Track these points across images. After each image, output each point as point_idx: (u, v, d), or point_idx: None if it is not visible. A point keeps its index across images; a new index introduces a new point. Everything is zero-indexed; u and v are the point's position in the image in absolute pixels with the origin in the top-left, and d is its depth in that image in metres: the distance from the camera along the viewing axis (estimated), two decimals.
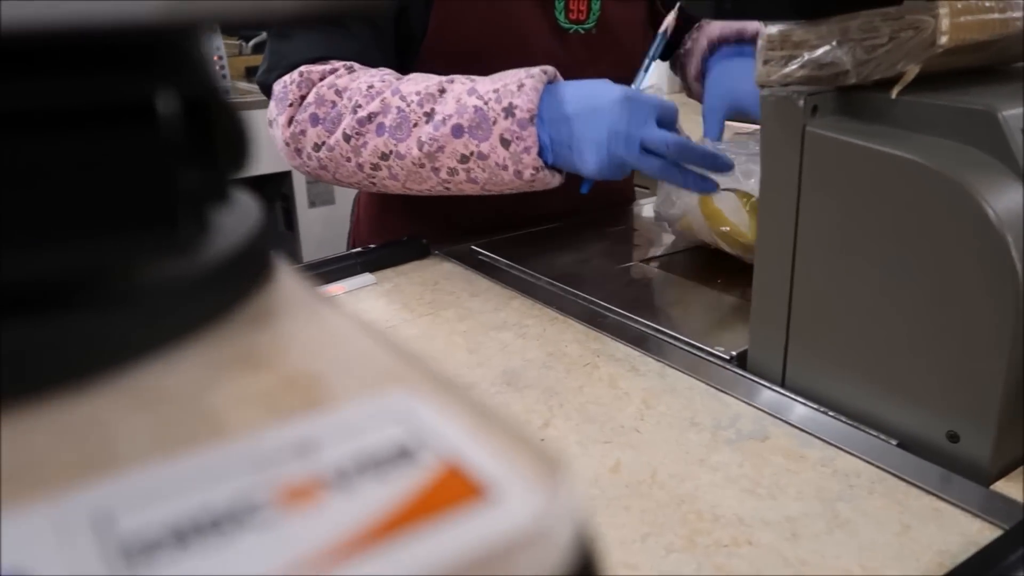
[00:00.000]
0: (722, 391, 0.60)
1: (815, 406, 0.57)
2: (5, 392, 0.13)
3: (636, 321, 0.72)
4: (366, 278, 0.82)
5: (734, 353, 0.65)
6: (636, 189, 1.67)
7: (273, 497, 0.11)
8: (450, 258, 0.86)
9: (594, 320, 0.73)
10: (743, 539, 0.44)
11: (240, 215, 0.18)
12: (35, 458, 0.12)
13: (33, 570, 0.10)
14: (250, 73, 2.38)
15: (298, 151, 0.83)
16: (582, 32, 0.96)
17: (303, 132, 0.81)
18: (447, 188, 0.81)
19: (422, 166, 0.79)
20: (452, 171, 0.79)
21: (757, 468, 0.50)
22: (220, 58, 2.18)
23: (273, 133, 0.85)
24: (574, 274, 0.83)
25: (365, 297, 0.79)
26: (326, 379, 0.15)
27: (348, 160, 0.81)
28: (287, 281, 0.19)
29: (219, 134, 0.14)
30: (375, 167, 0.80)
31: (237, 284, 0.17)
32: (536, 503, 0.11)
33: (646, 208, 1.13)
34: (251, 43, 2.47)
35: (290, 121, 0.82)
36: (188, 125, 0.13)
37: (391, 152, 0.79)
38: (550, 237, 0.95)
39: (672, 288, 0.82)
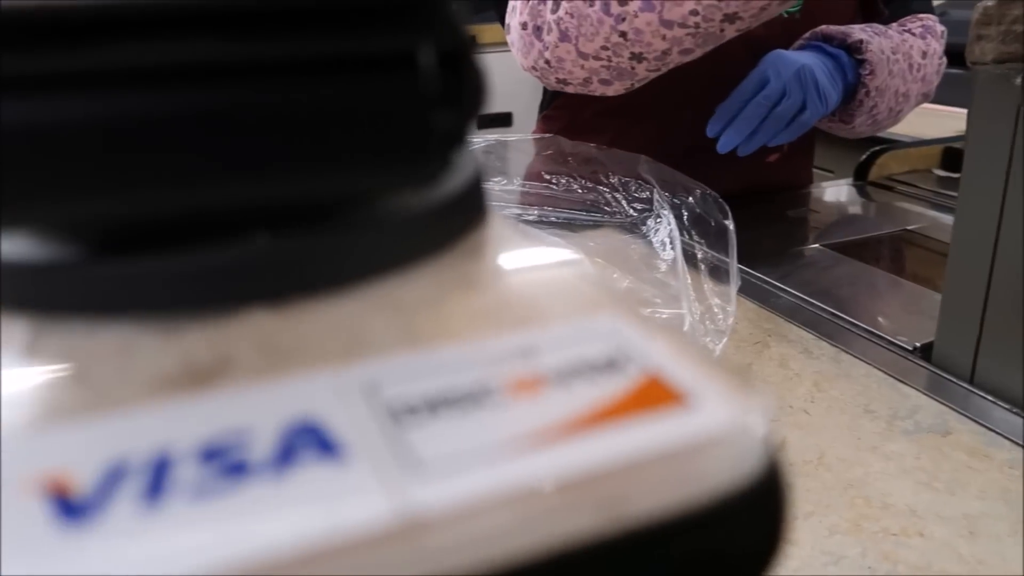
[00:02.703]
0: (902, 381, 0.57)
1: (1007, 406, 0.54)
2: (281, 293, 0.16)
3: (811, 304, 0.70)
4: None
5: (918, 344, 0.62)
6: (816, 171, 1.60)
7: (503, 386, 0.13)
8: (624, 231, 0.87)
9: (767, 300, 0.72)
10: (914, 530, 0.43)
11: (465, 159, 0.20)
12: (305, 343, 0.15)
13: (322, 420, 0.12)
14: None
15: (537, 30, 0.79)
16: (785, 16, 0.93)
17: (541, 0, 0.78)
18: (621, 34, 0.74)
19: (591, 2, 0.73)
20: None
21: (935, 462, 0.48)
22: None
23: (510, 37, 0.83)
24: (748, 253, 0.82)
25: None
26: (537, 303, 0.17)
27: (584, 9, 0.75)
28: (498, 221, 0.21)
29: (467, 83, 0.16)
30: (554, 26, 0.76)
31: (463, 217, 0.19)
32: (732, 412, 0.12)
33: (828, 192, 1.09)
34: None
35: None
36: (442, 74, 0.15)
37: None
38: None
39: (853, 273, 0.79)
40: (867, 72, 0.87)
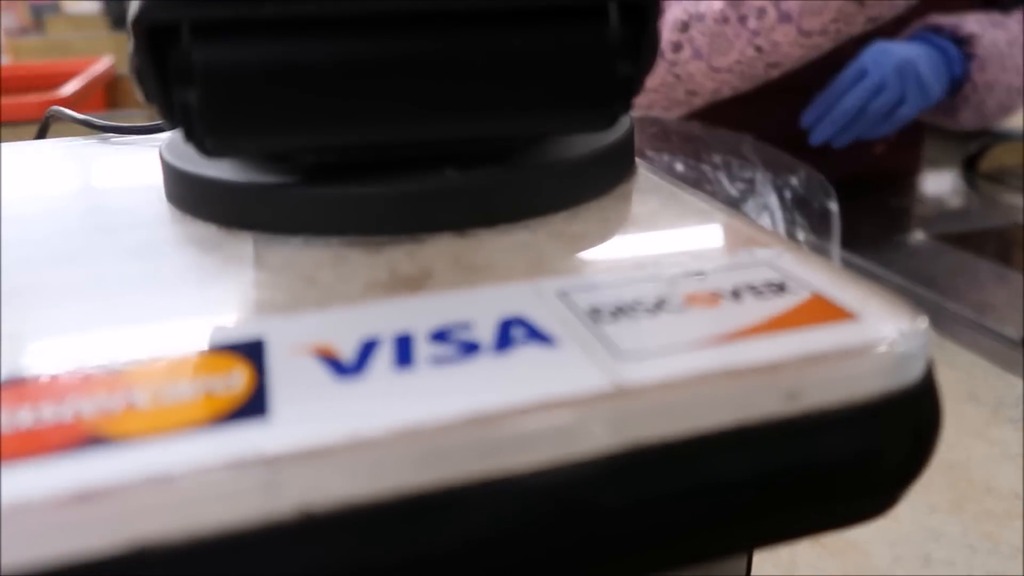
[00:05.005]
0: (1009, 372, 0.56)
1: None
2: (466, 220, 0.19)
3: (913, 291, 0.69)
4: None
5: None
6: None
7: (682, 298, 0.15)
8: None
9: None
10: (1017, 513, 0.43)
11: None
12: (493, 262, 0.17)
13: (529, 317, 0.14)
14: None
15: None
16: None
17: None
18: (758, 48, 0.75)
19: (726, 20, 0.75)
20: (761, 11, 0.73)
21: None
22: None
23: None
24: (850, 239, 0.80)
25: None
26: (699, 237, 0.18)
27: None
28: (644, 172, 0.23)
29: (647, 35, 0.17)
30: (677, 46, 0.78)
31: (621, 165, 0.21)
32: (899, 326, 0.14)
33: (935, 182, 1.06)
34: None
35: None
36: (628, 27, 0.17)
37: (690, 16, 0.76)
38: None
39: (958, 264, 0.77)
40: (976, 67, 0.84)
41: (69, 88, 1.26)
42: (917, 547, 0.41)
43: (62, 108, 0.32)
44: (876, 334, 0.13)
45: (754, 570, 0.21)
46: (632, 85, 0.18)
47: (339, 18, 0.16)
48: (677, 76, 0.80)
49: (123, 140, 0.30)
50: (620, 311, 0.14)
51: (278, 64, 0.16)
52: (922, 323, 0.14)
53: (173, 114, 0.17)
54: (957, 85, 0.87)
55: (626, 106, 0.18)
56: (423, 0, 0.16)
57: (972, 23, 0.86)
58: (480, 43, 0.17)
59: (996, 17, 0.89)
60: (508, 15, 0.17)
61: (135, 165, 0.27)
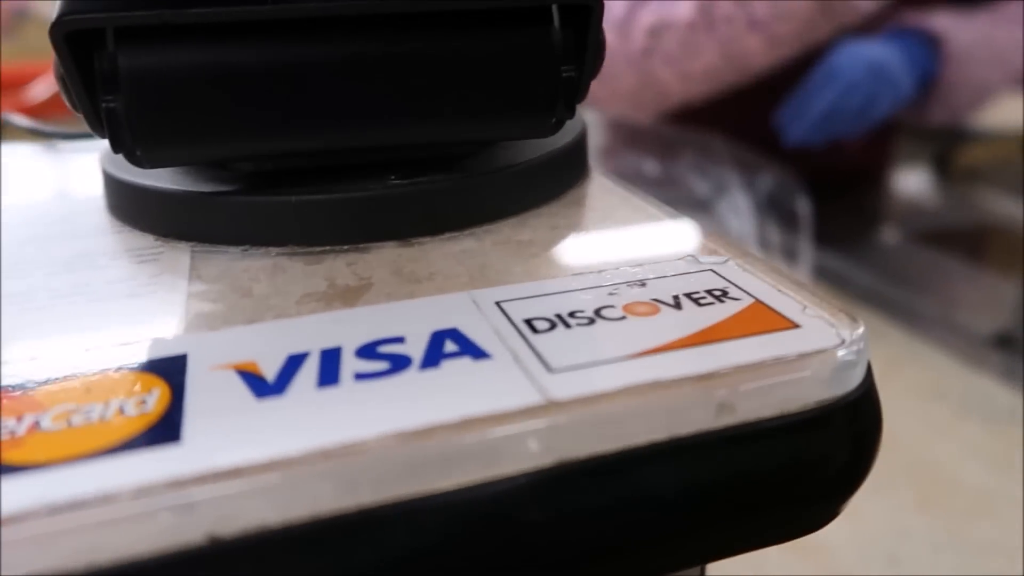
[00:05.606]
0: (977, 369, 0.57)
1: None
2: (409, 230, 0.18)
3: (884, 289, 0.70)
4: None
5: (994, 333, 0.62)
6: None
7: (622, 308, 0.15)
8: None
9: (839, 284, 0.71)
10: (984, 510, 0.43)
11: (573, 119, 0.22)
12: (435, 272, 0.17)
13: (463, 329, 0.14)
14: None
15: None
16: None
17: None
18: (727, 55, 0.76)
19: (695, 27, 0.74)
20: (730, 18, 0.73)
21: (1010, 448, 0.48)
22: None
23: None
24: (822, 237, 0.81)
25: None
26: (646, 244, 0.18)
27: (616, 54, 0.77)
28: (598, 177, 0.23)
29: (591, 40, 0.17)
30: (648, 52, 0.77)
31: (571, 171, 0.21)
32: (838, 334, 0.13)
33: (907, 180, 1.07)
34: None
35: None
36: (571, 31, 0.17)
37: (661, 22, 0.75)
38: None
39: (929, 261, 0.78)
40: (945, 64, 0.85)
41: (36, 90, 1.24)
42: (884, 546, 0.41)
43: (9, 114, 0.31)
44: (815, 343, 0.13)
45: (721, 569, 0.20)
46: (576, 89, 0.17)
47: (270, 22, 0.16)
48: (648, 81, 0.79)
49: (73, 147, 0.30)
50: (557, 322, 0.14)
51: (207, 70, 0.16)
52: (861, 331, 0.14)
53: (100, 123, 0.16)
54: (927, 82, 0.88)
55: (570, 110, 0.18)
56: (357, 3, 0.16)
57: (942, 20, 0.87)
58: (419, 47, 0.17)
59: (965, 14, 0.90)
60: (448, 18, 0.17)
61: (81, 173, 0.26)
